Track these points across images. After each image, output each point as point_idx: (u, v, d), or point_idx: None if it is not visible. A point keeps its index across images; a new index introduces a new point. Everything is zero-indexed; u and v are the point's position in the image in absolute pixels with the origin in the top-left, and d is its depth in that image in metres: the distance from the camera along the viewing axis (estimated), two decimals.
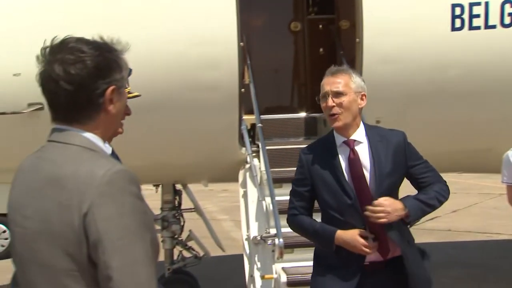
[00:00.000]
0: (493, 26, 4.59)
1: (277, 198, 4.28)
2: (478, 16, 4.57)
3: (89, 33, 4.49)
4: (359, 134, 2.77)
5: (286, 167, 4.67)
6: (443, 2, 4.53)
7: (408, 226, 2.85)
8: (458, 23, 4.55)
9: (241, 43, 4.54)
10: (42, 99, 4.63)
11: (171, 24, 4.40)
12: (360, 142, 2.76)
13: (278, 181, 4.60)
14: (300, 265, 4.28)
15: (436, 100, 4.72)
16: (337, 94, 2.68)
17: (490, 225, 9.37)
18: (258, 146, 4.83)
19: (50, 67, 1.55)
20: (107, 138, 1.65)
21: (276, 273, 4.35)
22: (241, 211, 4.82)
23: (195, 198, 5.77)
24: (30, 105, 4.26)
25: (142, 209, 1.51)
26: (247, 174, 4.73)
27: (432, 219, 9.49)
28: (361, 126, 2.79)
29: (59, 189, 1.49)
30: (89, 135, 1.57)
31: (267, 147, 4.76)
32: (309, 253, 4.20)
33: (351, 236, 2.68)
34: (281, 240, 4.06)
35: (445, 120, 4.86)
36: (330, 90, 2.69)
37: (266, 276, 4.33)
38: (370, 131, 2.80)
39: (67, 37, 1.61)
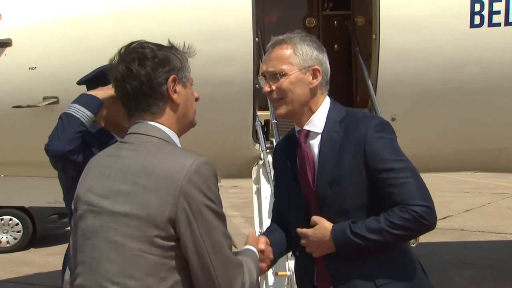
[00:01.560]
0: None
1: None
2: (498, 12, 4.46)
3: (102, 30, 4.51)
4: (315, 122, 2.14)
5: None
6: None
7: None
8: (477, 19, 4.45)
9: (257, 39, 4.50)
10: (57, 92, 4.65)
11: (186, 19, 4.37)
12: (317, 133, 2.14)
13: None
14: None
15: (453, 98, 4.66)
16: (274, 76, 2.10)
17: (503, 225, 9.30)
18: (272, 143, 4.80)
19: (117, 69, 1.73)
20: (182, 131, 1.79)
21: (289, 270, 4.32)
22: (254, 208, 4.79)
23: None
24: (45, 98, 4.27)
25: (219, 199, 1.65)
26: (261, 170, 4.70)
27: (444, 218, 9.45)
28: (321, 110, 2.14)
29: (145, 174, 1.60)
30: (167, 130, 1.72)
31: None
32: None
33: (253, 234, 2.18)
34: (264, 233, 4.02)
35: (462, 119, 4.80)
36: (266, 71, 2.14)
37: (280, 273, 4.29)
38: (333, 116, 2.13)
39: (133, 41, 1.78)
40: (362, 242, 1.99)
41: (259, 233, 4.64)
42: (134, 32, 4.31)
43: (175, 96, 1.73)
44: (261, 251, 2.05)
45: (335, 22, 5.73)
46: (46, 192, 4.73)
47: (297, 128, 2.21)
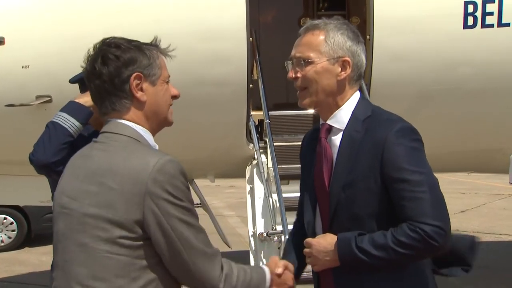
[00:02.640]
0: (507, 24, 4.52)
1: (284, 195, 4.24)
2: (491, 14, 4.50)
3: (97, 28, 4.50)
4: (339, 118, 2.00)
5: (294, 164, 4.59)
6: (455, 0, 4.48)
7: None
8: (470, 20, 4.48)
9: (251, 38, 4.52)
10: (50, 91, 4.64)
11: (181, 18, 4.38)
12: (340, 130, 2.00)
13: (285, 177, 4.58)
14: None
15: (446, 98, 4.68)
16: (300, 62, 1.97)
17: (498, 226, 9.32)
18: (265, 143, 4.81)
19: (85, 67, 1.74)
20: (155, 129, 1.76)
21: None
22: (248, 207, 4.80)
23: (202, 193, 5.77)
24: (38, 97, 4.29)
25: (189, 197, 1.63)
26: (254, 170, 4.72)
27: None
28: (348, 106, 2.00)
29: (111, 174, 1.58)
30: (137, 127, 1.70)
31: (275, 144, 4.72)
32: None
33: (275, 259, 2.09)
34: (287, 237, 4.04)
35: (455, 119, 4.82)
36: (294, 56, 2.01)
37: None
38: (358, 114, 2.00)
39: (108, 37, 1.76)
40: (366, 258, 1.86)
41: (252, 233, 4.68)
42: (128, 31, 4.33)
43: (139, 94, 1.69)
44: (278, 275, 1.94)
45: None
46: (40, 192, 4.73)
47: (321, 121, 2.07)
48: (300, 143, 5.15)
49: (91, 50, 1.74)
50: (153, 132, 1.75)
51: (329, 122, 2.02)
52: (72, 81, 3.01)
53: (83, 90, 2.88)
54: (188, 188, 1.64)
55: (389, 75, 4.48)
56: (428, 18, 4.45)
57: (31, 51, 4.26)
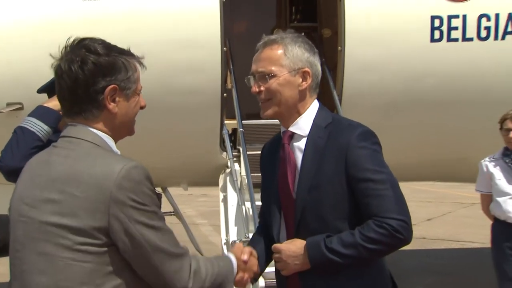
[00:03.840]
0: (471, 39, 4.66)
1: (257, 203, 4.21)
2: (456, 28, 4.63)
3: (70, 36, 4.36)
4: (301, 125, 2.07)
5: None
6: (423, 14, 4.58)
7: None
8: (437, 34, 4.60)
9: (225, 48, 4.53)
10: (21, 99, 4.54)
11: (156, 27, 4.38)
12: (302, 136, 2.07)
13: (258, 186, 4.55)
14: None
15: (414, 109, 4.78)
16: (263, 76, 2.04)
17: (463, 234, 9.51)
18: (239, 151, 4.81)
19: (59, 63, 1.66)
20: (118, 137, 1.72)
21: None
22: (221, 216, 4.79)
23: (175, 202, 5.72)
24: (9, 104, 4.25)
25: (156, 202, 1.61)
26: (228, 178, 4.71)
27: None
28: (309, 113, 2.08)
29: (74, 182, 1.53)
30: (100, 134, 1.65)
31: (248, 152, 4.74)
32: None
33: (239, 246, 2.15)
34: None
35: (422, 129, 4.91)
36: (256, 71, 2.07)
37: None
38: (319, 121, 2.07)
39: (86, 37, 1.69)
40: (338, 258, 1.92)
41: (225, 241, 4.66)
42: (105, 39, 4.32)
43: (111, 106, 1.64)
44: (244, 262, 1.96)
45: (302, 34, 5.80)
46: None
47: (282, 129, 2.14)
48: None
49: (68, 47, 1.67)
50: (116, 140, 1.72)
51: (291, 129, 2.08)
52: (39, 90, 2.94)
53: (51, 97, 2.83)
54: (154, 192, 1.61)
55: (360, 85, 4.55)
56: (397, 31, 4.55)
57: (2, 58, 4.21)
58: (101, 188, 1.51)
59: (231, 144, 4.74)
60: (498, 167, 4.22)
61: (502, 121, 4.16)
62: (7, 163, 2.55)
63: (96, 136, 1.64)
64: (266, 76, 2.02)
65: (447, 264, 7.57)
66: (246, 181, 4.46)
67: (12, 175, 2.49)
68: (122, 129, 1.71)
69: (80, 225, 1.50)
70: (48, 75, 4.26)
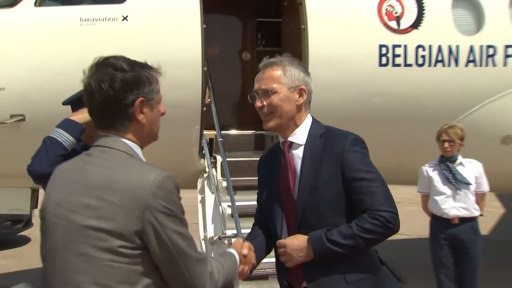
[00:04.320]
0: (410, 65, 5.16)
1: (236, 203, 4.51)
2: (399, 56, 5.11)
3: (65, 56, 4.66)
4: (299, 135, 2.21)
5: (237, 176, 4.95)
6: (373, 43, 5.05)
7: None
8: (384, 60, 5.07)
9: (205, 68, 4.83)
10: (23, 111, 4.80)
11: (144, 47, 4.54)
12: (299, 145, 2.21)
13: (235, 188, 4.78)
14: None
15: (363, 123, 5.14)
16: (266, 93, 2.17)
17: (403, 228, 9.90)
18: (215, 158, 5.09)
19: (88, 82, 1.67)
20: (145, 144, 1.75)
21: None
22: (199, 215, 5.02)
23: None
24: (12, 116, 4.39)
25: (182, 209, 1.64)
26: (205, 182, 4.98)
27: None
28: (304, 125, 2.23)
29: (111, 190, 1.55)
30: (130, 143, 1.67)
31: (221, 160, 5.07)
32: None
33: (238, 241, 2.24)
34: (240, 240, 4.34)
35: (369, 140, 5.27)
36: (259, 89, 2.20)
37: None
38: (314, 132, 2.22)
39: (109, 56, 1.71)
40: (339, 248, 2.04)
41: (203, 237, 4.92)
42: (91, 61, 4.52)
43: (140, 117, 1.67)
44: (244, 256, 2.05)
45: (267, 57, 6.14)
46: (9, 201, 4.80)
47: (281, 140, 2.26)
48: (242, 159, 5.48)
49: (94, 66, 1.68)
50: (142, 147, 1.74)
51: (290, 139, 2.22)
52: (65, 103, 3.04)
53: (74, 111, 2.95)
54: (180, 199, 1.64)
55: (321, 102, 4.88)
56: (352, 57, 4.98)
57: (6, 75, 4.39)
58: (137, 196, 1.53)
59: (208, 152, 4.99)
60: (436, 172, 4.56)
61: (439, 134, 4.53)
62: (37, 169, 2.62)
63: (127, 146, 1.66)
64: (269, 92, 2.16)
65: (390, 252, 7.96)
66: (224, 184, 4.76)
67: (41, 179, 2.56)
68: (149, 136, 1.75)
69: (117, 229, 1.53)
70: (47, 89, 4.50)
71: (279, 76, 2.18)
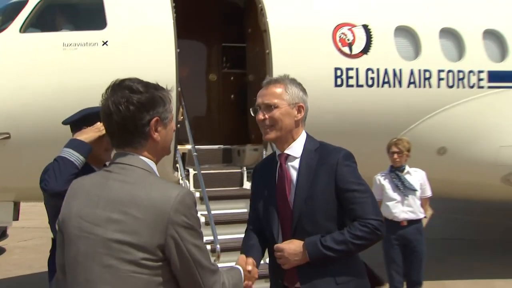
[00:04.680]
0: (361, 85, 5.56)
1: (203, 212, 4.69)
2: (352, 77, 5.50)
3: (50, 80, 4.83)
4: (295, 148, 2.27)
5: (208, 187, 5.10)
6: (329, 66, 5.41)
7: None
8: (339, 81, 5.44)
9: (179, 88, 5.01)
10: (9, 129, 4.97)
11: (125, 71, 4.65)
12: (295, 157, 2.27)
13: (201, 198, 4.96)
14: (227, 265, 4.75)
15: (321, 137, 5.48)
16: (268, 107, 2.23)
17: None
18: (187, 171, 5.28)
19: (107, 103, 1.67)
20: (159, 159, 1.77)
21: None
22: None
23: None
24: None
25: (199, 222, 1.71)
26: None
27: None
28: (300, 139, 2.30)
29: (134, 205, 1.56)
30: (147, 160, 1.68)
31: (193, 172, 5.25)
32: (233, 256, 4.73)
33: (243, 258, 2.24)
34: (218, 246, 4.52)
35: None
36: (262, 103, 2.26)
37: None
38: (309, 146, 2.28)
39: (124, 78, 1.72)
40: (332, 253, 2.12)
41: None
42: (76, 82, 4.66)
43: (155, 135, 1.69)
44: (249, 272, 2.09)
45: (232, 78, 6.41)
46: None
47: (278, 152, 2.31)
48: (211, 171, 5.65)
49: (110, 88, 1.69)
50: (157, 162, 1.76)
51: (286, 151, 2.28)
52: (65, 122, 3.05)
53: (74, 130, 2.97)
54: (197, 214, 1.69)
55: None
56: (311, 78, 5.17)
57: None
58: (160, 211, 1.55)
59: (182, 165, 5.15)
60: (387, 180, 4.74)
61: (389, 146, 4.77)
62: (53, 187, 2.62)
63: (145, 163, 1.67)
64: (272, 107, 2.22)
65: None
66: (197, 195, 4.91)
67: (56, 197, 2.57)
68: (163, 152, 1.77)
69: (141, 242, 1.54)
70: (31, 110, 4.58)
71: (281, 93, 2.25)
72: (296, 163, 2.26)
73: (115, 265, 1.55)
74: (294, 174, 2.25)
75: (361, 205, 2.15)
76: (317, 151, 2.26)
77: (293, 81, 2.33)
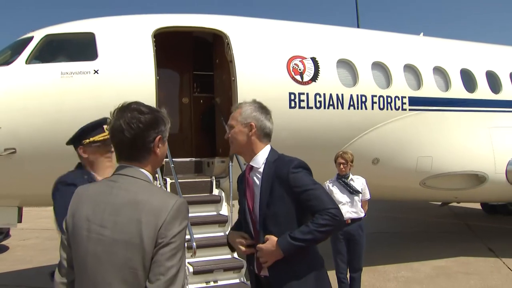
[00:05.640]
0: (311, 107, 5.84)
1: (190, 215, 4.77)
2: (303, 100, 5.78)
3: (51, 101, 4.95)
4: (257, 160, 2.31)
5: (182, 194, 5.17)
6: (284, 91, 5.65)
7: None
8: (292, 104, 5.68)
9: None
10: (14, 145, 5.09)
11: (113, 95, 4.79)
12: (257, 168, 2.30)
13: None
14: (200, 260, 4.90)
15: (277, 149, 5.69)
16: (230, 127, 2.34)
17: None
18: (165, 180, 5.37)
19: (118, 122, 1.68)
20: (154, 172, 1.82)
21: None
22: None
23: None
24: (6, 149, 4.52)
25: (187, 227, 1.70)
26: None
27: None
28: (263, 152, 2.32)
29: (137, 210, 1.58)
30: (146, 173, 1.71)
31: (170, 181, 5.35)
32: (206, 252, 4.90)
33: (235, 236, 2.40)
34: (194, 243, 4.67)
35: None
36: (228, 123, 2.39)
37: None
38: (270, 158, 2.31)
39: (130, 102, 1.75)
40: (301, 243, 2.14)
41: None
42: (72, 104, 4.70)
43: (157, 151, 1.71)
44: (244, 238, 2.30)
45: (201, 101, 6.56)
46: (1, 216, 4.86)
47: (246, 163, 2.39)
48: (187, 180, 5.81)
49: (119, 110, 1.71)
50: (152, 173, 1.77)
51: (251, 163, 2.34)
52: (68, 143, 2.93)
53: (76, 145, 2.85)
54: (188, 220, 1.69)
55: None
56: (270, 101, 5.24)
57: (2, 117, 4.54)
58: (159, 216, 1.56)
59: (161, 174, 5.24)
60: (335, 186, 4.96)
61: (336, 157, 5.04)
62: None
63: (145, 175, 1.69)
64: (231, 127, 2.34)
65: None
66: None
67: None
68: (158, 165, 1.79)
69: (142, 242, 1.55)
70: (33, 129, 4.61)
71: (237, 115, 2.33)
72: (259, 173, 2.30)
73: (121, 261, 1.56)
74: (257, 182, 2.29)
75: (317, 199, 2.18)
76: (275, 162, 2.28)
77: (251, 104, 2.35)
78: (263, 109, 2.37)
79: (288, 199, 2.20)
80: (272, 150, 2.38)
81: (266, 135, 2.35)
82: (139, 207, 1.58)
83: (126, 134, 1.66)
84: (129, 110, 1.68)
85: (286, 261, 2.20)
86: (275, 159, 2.31)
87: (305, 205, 2.20)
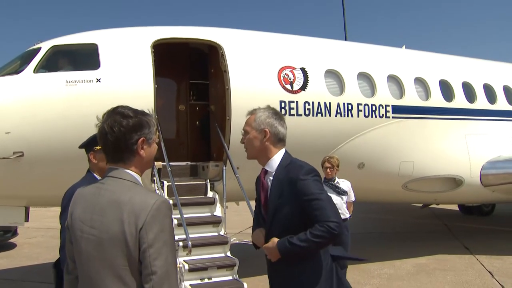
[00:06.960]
0: (301, 115, 5.94)
1: (176, 216, 4.81)
2: (293, 108, 5.88)
3: (57, 108, 5.07)
4: (271, 165, 2.29)
5: (179, 196, 5.22)
6: (275, 99, 5.73)
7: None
8: (283, 111, 5.75)
9: (156, 116, 5.16)
10: (23, 148, 5.18)
11: (114, 102, 4.64)
12: (271, 172, 2.28)
13: (174, 205, 5.07)
14: (195, 258, 4.98)
15: None
16: (245, 133, 2.33)
17: None
18: (163, 183, 5.42)
19: (103, 125, 1.70)
20: (143, 172, 1.79)
21: (180, 263, 4.94)
22: None
23: None
24: (14, 153, 4.58)
25: (173, 229, 1.67)
26: None
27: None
28: (277, 157, 2.29)
29: (119, 210, 1.59)
30: (133, 174, 1.71)
31: (167, 184, 5.40)
32: (201, 250, 4.96)
33: (257, 231, 2.40)
34: (189, 243, 4.75)
35: None
36: (243, 129, 2.36)
37: None
38: (283, 163, 2.27)
39: (118, 106, 1.75)
40: (296, 248, 2.13)
41: None
42: (76, 111, 4.76)
43: (141, 152, 1.71)
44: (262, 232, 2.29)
45: (197, 108, 6.62)
46: (9, 215, 4.93)
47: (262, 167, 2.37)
48: (183, 182, 5.89)
49: (106, 114, 1.71)
50: (141, 174, 1.76)
51: (265, 167, 2.33)
52: (80, 147, 3.02)
53: (88, 150, 2.93)
54: (172, 221, 1.67)
55: (239, 140, 5.45)
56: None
57: (11, 123, 4.62)
58: (139, 216, 1.56)
59: (159, 178, 5.33)
60: None
61: (323, 162, 5.16)
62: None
63: (131, 176, 1.69)
64: (245, 133, 2.33)
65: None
66: (176, 201, 4.98)
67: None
68: (147, 166, 1.78)
69: (126, 240, 1.56)
70: (40, 134, 4.67)
71: (251, 121, 2.32)
72: (272, 177, 2.29)
73: (110, 258, 1.58)
74: (270, 185, 2.28)
75: (321, 210, 2.14)
76: (287, 167, 2.25)
77: (265, 110, 2.34)
78: (277, 115, 2.35)
79: (296, 204, 2.18)
80: (285, 154, 2.34)
81: (280, 140, 2.33)
82: (121, 207, 1.58)
83: (109, 137, 1.68)
84: (113, 114, 1.70)
85: (286, 261, 2.21)
86: (287, 164, 2.28)
87: (310, 213, 2.17)
